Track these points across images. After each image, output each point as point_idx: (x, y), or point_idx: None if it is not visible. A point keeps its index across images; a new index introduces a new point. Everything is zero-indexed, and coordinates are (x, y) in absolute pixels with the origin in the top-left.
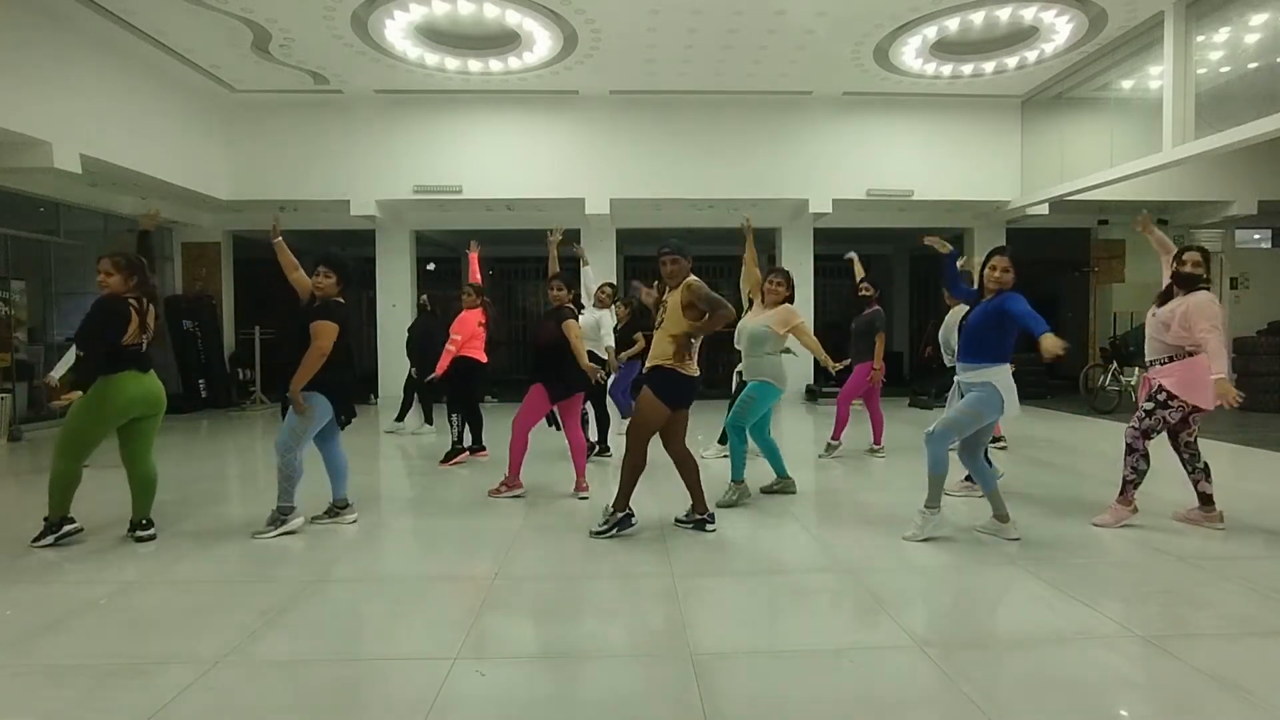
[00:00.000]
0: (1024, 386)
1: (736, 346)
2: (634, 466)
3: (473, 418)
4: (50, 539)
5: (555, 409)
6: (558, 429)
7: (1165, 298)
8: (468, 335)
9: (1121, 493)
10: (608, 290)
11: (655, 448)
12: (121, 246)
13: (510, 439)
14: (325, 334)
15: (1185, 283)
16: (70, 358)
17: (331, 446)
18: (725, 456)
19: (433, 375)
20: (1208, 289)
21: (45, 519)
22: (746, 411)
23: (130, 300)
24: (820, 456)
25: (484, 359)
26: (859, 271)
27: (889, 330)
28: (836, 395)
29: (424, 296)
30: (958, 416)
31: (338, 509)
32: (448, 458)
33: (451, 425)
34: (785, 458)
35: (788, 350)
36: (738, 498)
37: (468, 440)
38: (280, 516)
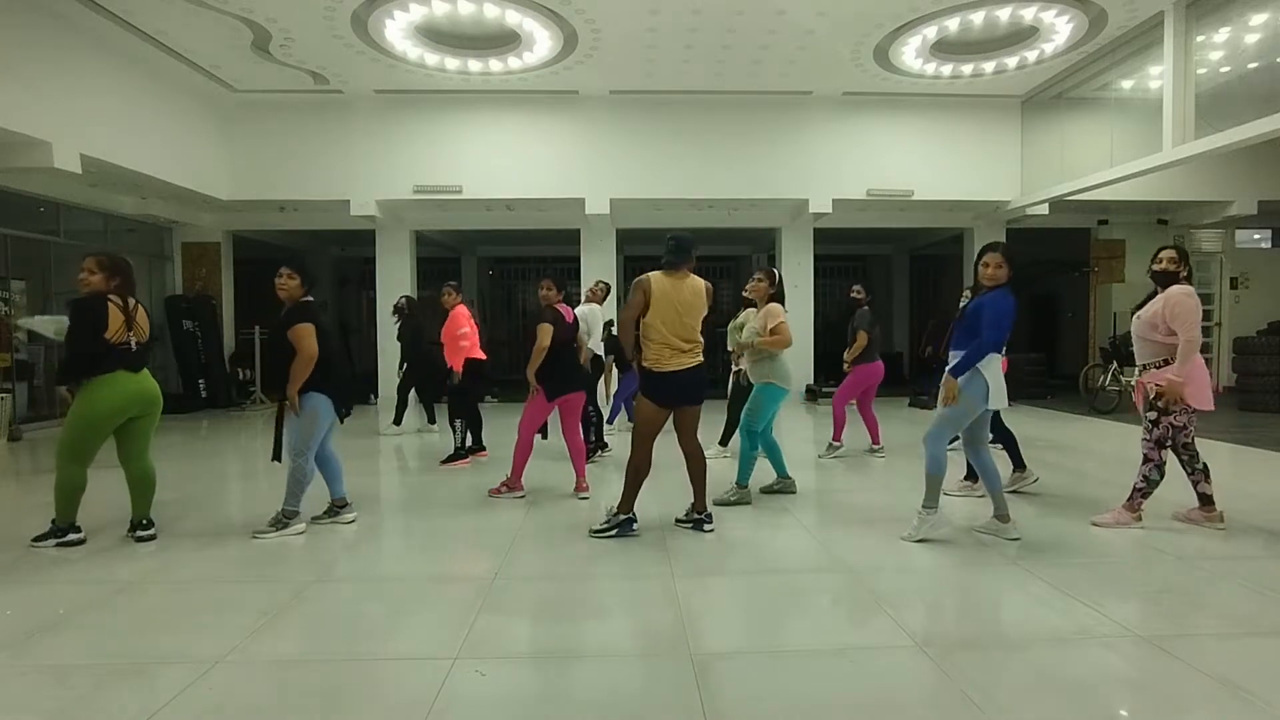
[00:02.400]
0: (1024, 386)
1: (732, 350)
2: (635, 467)
3: (473, 419)
4: (52, 542)
5: (548, 420)
6: (544, 438)
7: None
8: (472, 331)
9: (1129, 499)
10: (602, 286)
11: (663, 450)
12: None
13: (515, 442)
14: (305, 336)
15: (1161, 280)
16: (49, 321)
17: (325, 447)
18: (726, 457)
19: (453, 376)
20: (1186, 283)
21: (53, 521)
22: (757, 415)
23: (111, 298)
24: (820, 457)
25: (484, 356)
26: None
27: (888, 330)
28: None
29: (401, 299)
30: (949, 413)
31: (336, 508)
32: (449, 460)
33: (455, 430)
34: (785, 457)
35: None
36: (737, 499)
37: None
38: (284, 520)
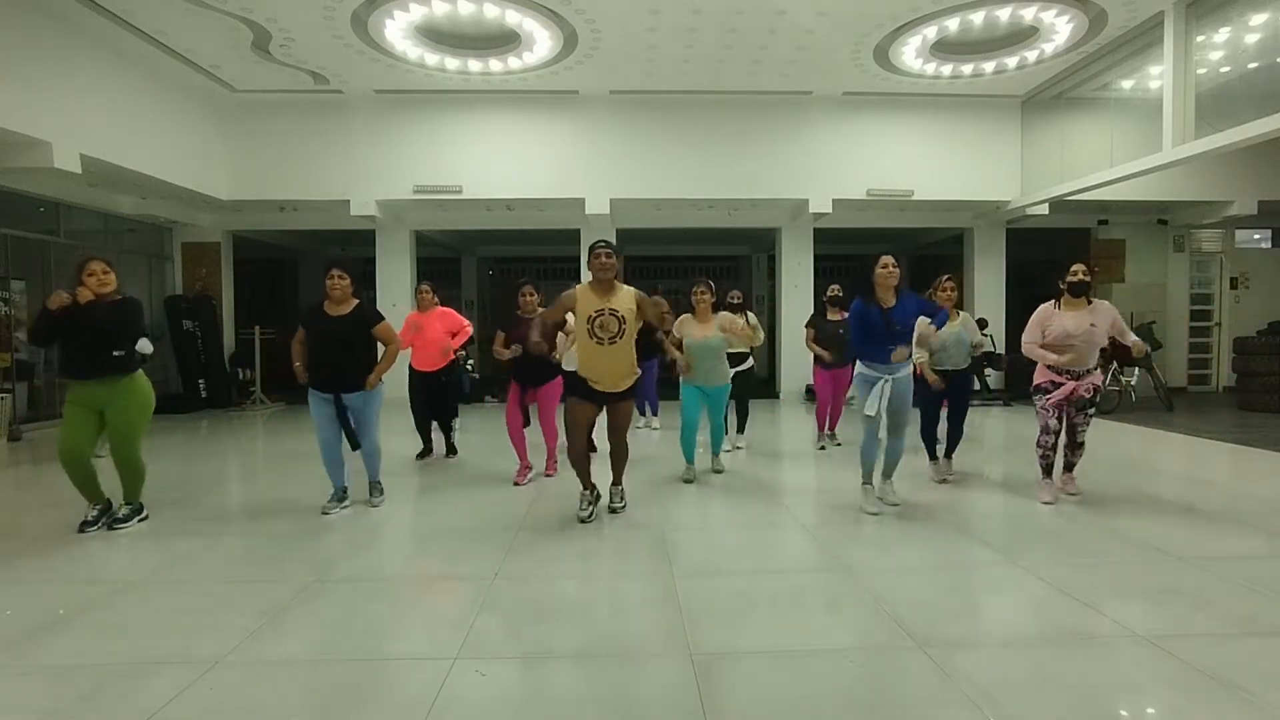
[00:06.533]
0: (1025, 386)
1: (692, 360)
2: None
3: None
4: (135, 521)
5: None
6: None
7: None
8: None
9: (1067, 470)
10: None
11: (658, 450)
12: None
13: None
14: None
15: (1081, 291)
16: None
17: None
18: (741, 447)
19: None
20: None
21: (129, 503)
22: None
23: None
24: (834, 445)
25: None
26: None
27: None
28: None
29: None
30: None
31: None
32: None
33: (450, 430)
34: (785, 455)
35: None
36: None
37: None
38: (382, 486)
